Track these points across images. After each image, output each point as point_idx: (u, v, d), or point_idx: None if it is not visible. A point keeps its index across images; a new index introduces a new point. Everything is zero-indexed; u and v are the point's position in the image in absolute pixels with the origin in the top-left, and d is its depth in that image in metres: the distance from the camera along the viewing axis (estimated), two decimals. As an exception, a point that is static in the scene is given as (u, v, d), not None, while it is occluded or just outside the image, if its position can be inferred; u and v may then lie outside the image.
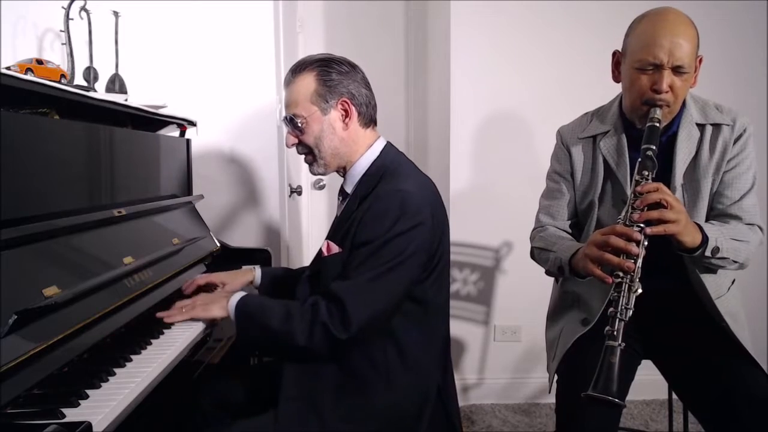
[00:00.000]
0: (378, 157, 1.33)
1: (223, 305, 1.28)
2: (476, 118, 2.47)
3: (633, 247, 1.18)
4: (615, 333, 1.14)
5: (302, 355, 1.21)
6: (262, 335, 1.23)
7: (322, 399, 1.22)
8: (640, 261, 1.18)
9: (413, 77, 2.93)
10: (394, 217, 1.19)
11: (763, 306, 2.50)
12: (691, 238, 1.24)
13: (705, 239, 1.25)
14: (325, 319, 1.17)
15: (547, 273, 1.51)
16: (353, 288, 1.18)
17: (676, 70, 1.28)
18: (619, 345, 1.12)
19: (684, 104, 1.38)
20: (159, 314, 1.32)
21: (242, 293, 1.30)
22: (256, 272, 1.59)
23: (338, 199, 1.42)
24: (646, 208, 1.20)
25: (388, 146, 1.36)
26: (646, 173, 1.25)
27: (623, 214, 1.24)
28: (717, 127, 1.37)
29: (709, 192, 1.38)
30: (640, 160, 1.27)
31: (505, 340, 2.58)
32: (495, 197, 2.48)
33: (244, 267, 1.90)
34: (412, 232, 1.20)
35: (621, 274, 1.18)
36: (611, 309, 1.17)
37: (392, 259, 1.18)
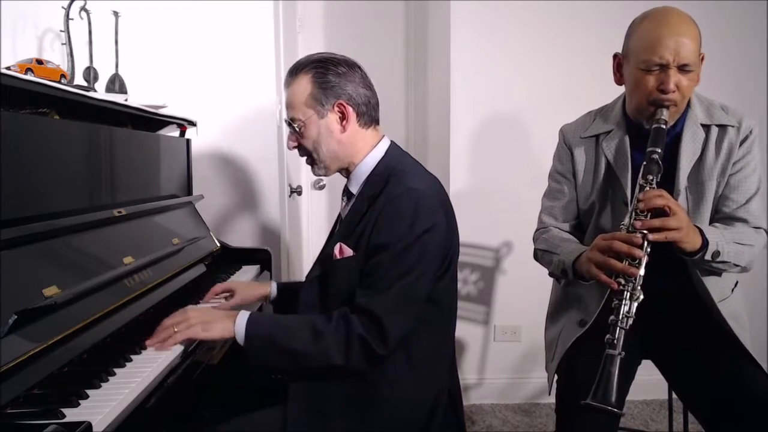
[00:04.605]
0: (383, 156, 1.30)
1: (227, 326, 1.16)
2: (476, 118, 2.47)
3: (636, 251, 1.17)
4: (615, 341, 1.13)
5: (336, 375, 1.16)
6: (288, 359, 1.14)
7: (330, 405, 1.19)
8: (642, 269, 1.17)
9: (413, 77, 2.93)
10: (411, 219, 1.16)
11: (763, 306, 2.50)
12: (692, 244, 1.24)
13: (705, 243, 1.25)
14: (362, 332, 1.12)
15: (551, 275, 1.50)
16: (387, 303, 1.13)
17: (682, 68, 1.27)
18: (619, 354, 1.12)
19: (688, 104, 1.37)
20: (148, 342, 1.16)
21: (247, 312, 1.19)
22: (272, 286, 1.54)
23: (342, 199, 1.38)
24: (648, 215, 1.20)
25: (393, 146, 1.34)
26: (651, 178, 1.23)
27: (626, 220, 1.23)
28: (722, 128, 1.36)
29: (714, 194, 1.36)
30: (645, 163, 1.26)
31: (505, 340, 2.58)
32: (495, 197, 2.48)
33: (245, 267, 1.91)
34: (430, 234, 1.17)
35: (623, 281, 1.17)
36: (612, 317, 1.16)
37: (416, 264, 1.15)
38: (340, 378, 1.17)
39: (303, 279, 1.43)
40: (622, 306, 1.16)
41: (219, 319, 1.19)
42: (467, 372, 2.60)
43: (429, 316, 1.24)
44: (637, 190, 1.25)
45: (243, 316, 1.17)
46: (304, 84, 1.26)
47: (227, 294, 1.53)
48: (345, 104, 1.26)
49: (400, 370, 1.21)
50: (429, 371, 1.25)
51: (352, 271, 1.20)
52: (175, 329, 1.16)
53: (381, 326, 1.12)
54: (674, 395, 1.52)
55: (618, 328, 1.14)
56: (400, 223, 1.16)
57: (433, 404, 1.25)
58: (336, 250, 1.24)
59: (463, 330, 2.57)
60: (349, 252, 1.22)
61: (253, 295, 1.52)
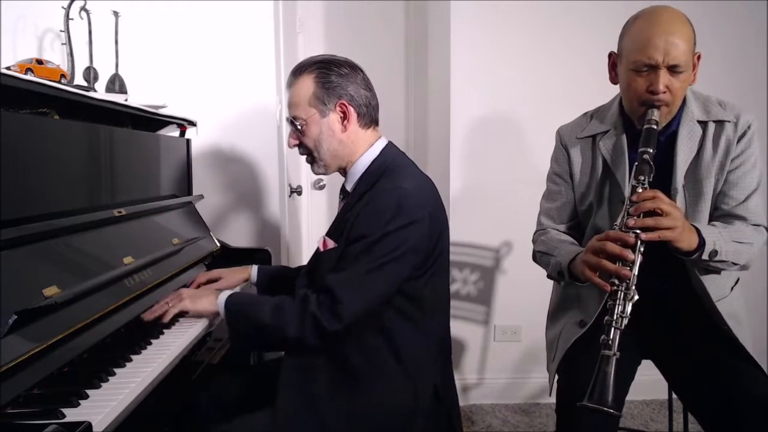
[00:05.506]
0: (378, 155, 1.33)
1: (211, 300, 1.31)
2: (476, 118, 2.47)
3: (628, 253, 1.16)
4: (610, 342, 1.12)
5: (295, 347, 1.24)
6: (254, 330, 1.26)
7: (319, 396, 1.23)
8: (636, 268, 1.16)
9: (413, 77, 2.93)
10: (391, 214, 1.20)
11: (763, 306, 2.50)
12: (688, 243, 1.23)
13: (702, 243, 1.24)
14: (315, 310, 1.19)
15: (549, 277, 1.50)
16: (344, 280, 1.20)
17: (672, 69, 1.26)
18: (615, 354, 1.11)
19: (684, 101, 1.36)
20: (145, 315, 1.31)
21: (229, 290, 1.32)
22: (252, 270, 1.62)
23: (340, 198, 1.43)
24: (642, 214, 1.19)
25: (389, 146, 1.36)
26: (643, 178, 1.22)
27: (619, 220, 1.22)
28: (720, 124, 1.34)
29: (713, 192, 1.35)
30: (636, 164, 1.25)
31: (505, 340, 2.59)
32: (495, 197, 2.48)
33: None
34: (408, 230, 1.20)
35: (617, 281, 1.16)
36: (606, 317, 1.15)
37: (386, 254, 1.19)
38: (300, 350, 1.24)
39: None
40: (617, 306, 1.15)
41: (205, 296, 1.35)
42: (467, 372, 2.61)
43: (410, 312, 1.27)
44: (629, 191, 1.24)
45: (225, 293, 1.31)
46: (308, 83, 1.29)
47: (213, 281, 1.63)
48: (347, 104, 1.29)
49: (388, 365, 1.25)
50: (414, 364, 1.27)
51: (333, 262, 1.25)
52: (169, 305, 1.32)
53: (334, 302, 1.19)
54: (674, 395, 1.52)
55: (613, 328, 1.13)
56: (380, 216, 1.20)
57: (418, 398, 1.27)
58: (320, 243, 1.31)
59: (463, 330, 2.57)
60: (331, 244, 1.28)
61: (236, 279, 1.62)
